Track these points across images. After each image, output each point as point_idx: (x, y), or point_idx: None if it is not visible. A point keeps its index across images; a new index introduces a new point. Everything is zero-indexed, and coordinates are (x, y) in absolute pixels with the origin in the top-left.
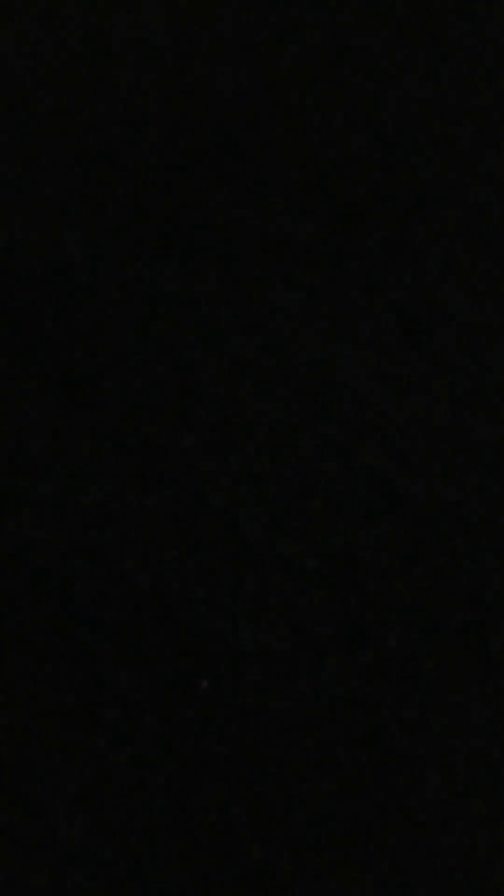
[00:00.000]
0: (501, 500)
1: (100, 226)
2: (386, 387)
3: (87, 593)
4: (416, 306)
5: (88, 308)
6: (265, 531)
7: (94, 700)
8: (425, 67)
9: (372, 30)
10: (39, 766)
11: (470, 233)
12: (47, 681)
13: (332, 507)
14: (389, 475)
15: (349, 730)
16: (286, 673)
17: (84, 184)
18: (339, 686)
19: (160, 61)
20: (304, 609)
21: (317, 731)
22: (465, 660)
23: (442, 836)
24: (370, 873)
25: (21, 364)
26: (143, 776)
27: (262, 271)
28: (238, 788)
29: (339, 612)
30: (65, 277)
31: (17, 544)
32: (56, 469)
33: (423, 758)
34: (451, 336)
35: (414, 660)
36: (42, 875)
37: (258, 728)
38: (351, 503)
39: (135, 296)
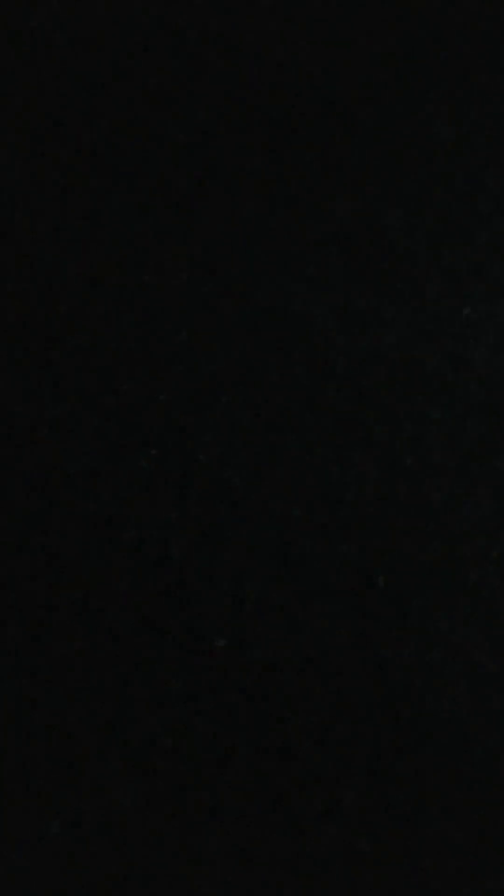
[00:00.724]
0: (460, 433)
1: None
2: (341, 322)
3: (94, 567)
4: (358, 235)
5: (45, 263)
6: (253, 483)
7: (120, 673)
8: None
9: None
10: (70, 734)
11: (408, 157)
12: (70, 656)
13: (308, 451)
14: (357, 415)
15: (356, 671)
16: (292, 622)
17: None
18: (340, 630)
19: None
20: (299, 558)
21: (328, 677)
22: (448, 591)
23: (451, 765)
24: (381, 800)
25: None
26: (175, 739)
27: (210, 212)
28: (267, 735)
29: (329, 557)
30: (24, 233)
31: (16, 523)
32: (40, 439)
33: (424, 690)
34: (395, 264)
35: (402, 597)
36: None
37: (277, 678)
38: (325, 446)
39: (88, 242)
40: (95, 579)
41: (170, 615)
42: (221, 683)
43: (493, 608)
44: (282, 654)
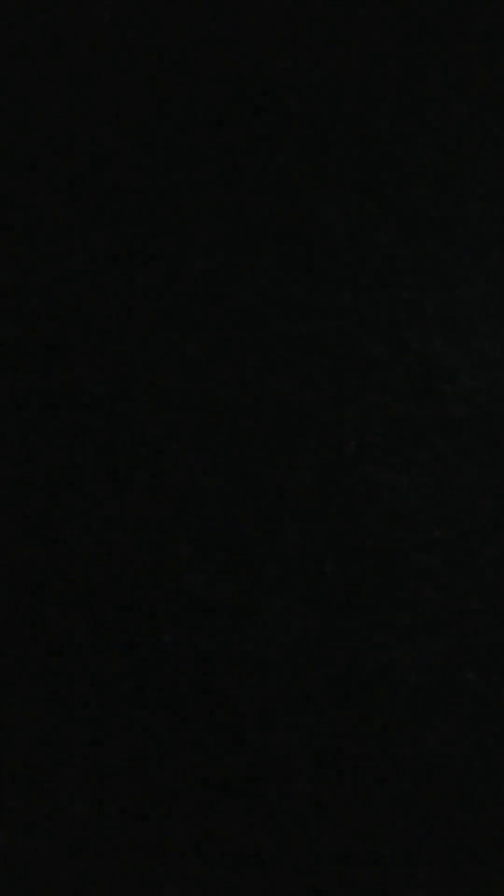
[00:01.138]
0: (401, 416)
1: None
2: (279, 309)
3: (34, 565)
4: (293, 222)
5: None
6: (194, 474)
7: (71, 676)
8: None
9: None
10: (14, 735)
11: (342, 143)
12: (13, 656)
13: (249, 439)
14: (298, 401)
15: (306, 658)
16: (238, 614)
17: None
18: (287, 618)
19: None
20: (244, 548)
21: (278, 667)
22: (394, 575)
23: (403, 749)
24: (333, 787)
25: None
26: (123, 737)
27: (145, 199)
28: (216, 729)
29: (275, 546)
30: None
31: None
32: None
33: (374, 674)
34: (332, 250)
35: (351, 582)
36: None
37: (225, 671)
38: (266, 433)
39: (10, 221)
40: (35, 577)
41: (114, 612)
42: (168, 679)
43: (438, 590)
44: (231, 646)
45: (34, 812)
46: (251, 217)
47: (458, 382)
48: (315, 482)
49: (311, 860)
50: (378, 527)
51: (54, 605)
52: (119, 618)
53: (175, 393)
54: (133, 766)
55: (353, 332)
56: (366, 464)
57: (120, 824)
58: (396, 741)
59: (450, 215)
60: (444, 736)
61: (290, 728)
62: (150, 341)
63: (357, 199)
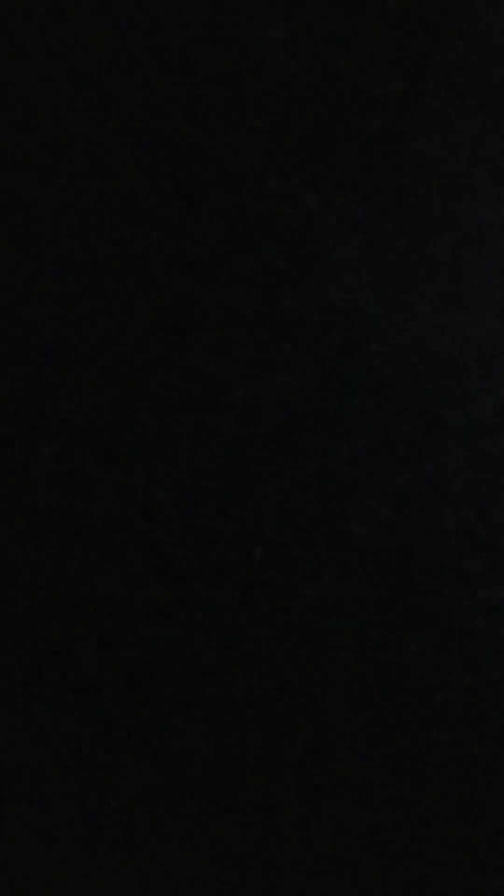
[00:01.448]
0: (327, 379)
1: None
2: (186, 275)
3: None
4: (203, 178)
5: None
6: (107, 466)
7: None
8: None
9: None
10: None
11: (254, 90)
12: None
13: (165, 421)
14: (217, 373)
15: (242, 653)
16: (163, 616)
17: None
18: (217, 615)
19: None
20: (162, 541)
21: (212, 665)
22: (332, 549)
23: (349, 736)
24: (281, 784)
25: None
26: (47, 760)
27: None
28: (154, 743)
29: (195, 538)
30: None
31: None
32: None
33: (316, 655)
34: (246, 206)
35: (284, 563)
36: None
37: (156, 680)
38: (183, 411)
39: None
40: None
41: (30, 625)
42: (93, 697)
43: (380, 561)
44: (157, 652)
45: None
46: (154, 173)
47: (388, 340)
48: (235, 457)
49: (253, 862)
50: (308, 497)
51: None
52: (29, 634)
53: (85, 374)
54: (54, 784)
55: (269, 292)
56: (291, 431)
57: (51, 848)
58: (344, 725)
59: (374, 165)
60: (391, 718)
61: (235, 730)
62: (77, 315)
63: (274, 151)
